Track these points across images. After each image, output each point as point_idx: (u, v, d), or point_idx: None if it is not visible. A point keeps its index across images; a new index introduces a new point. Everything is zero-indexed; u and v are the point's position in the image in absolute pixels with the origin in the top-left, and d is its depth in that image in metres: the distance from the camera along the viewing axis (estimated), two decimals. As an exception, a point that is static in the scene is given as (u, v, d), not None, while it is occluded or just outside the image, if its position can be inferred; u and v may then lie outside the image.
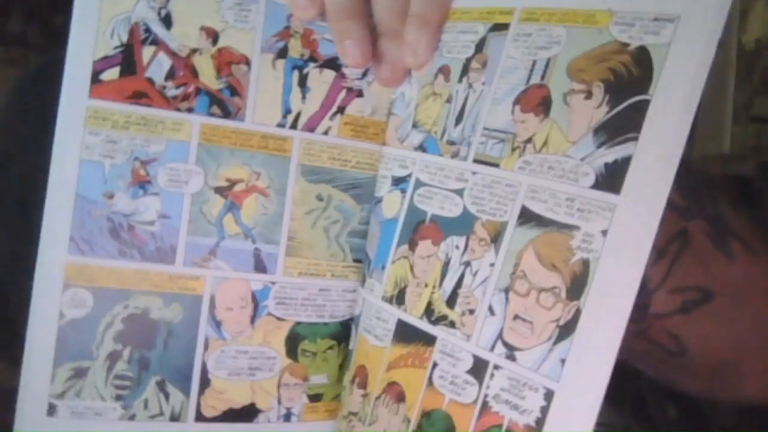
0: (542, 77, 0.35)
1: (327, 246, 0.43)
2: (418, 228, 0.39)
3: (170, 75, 0.39)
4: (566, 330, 0.31)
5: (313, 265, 0.43)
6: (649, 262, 0.39)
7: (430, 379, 0.36)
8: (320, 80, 0.42)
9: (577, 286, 0.31)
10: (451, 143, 0.38)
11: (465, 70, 0.39)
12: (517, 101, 0.36)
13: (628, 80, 0.32)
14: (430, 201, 0.39)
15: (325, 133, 0.43)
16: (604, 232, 0.31)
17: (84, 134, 0.38)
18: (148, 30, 0.39)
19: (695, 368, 0.43)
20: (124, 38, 0.39)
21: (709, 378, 0.45)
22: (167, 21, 0.40)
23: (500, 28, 0.38)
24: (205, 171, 0.40)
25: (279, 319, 0.42)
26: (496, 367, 0.34)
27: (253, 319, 0.42)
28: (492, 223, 0.35)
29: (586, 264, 0.31)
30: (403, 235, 0.40)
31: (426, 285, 0.38)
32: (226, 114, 0.40)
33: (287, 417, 0.43)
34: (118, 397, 0.40)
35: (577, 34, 0.34)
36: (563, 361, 0.31)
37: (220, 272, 0.41)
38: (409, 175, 0.41)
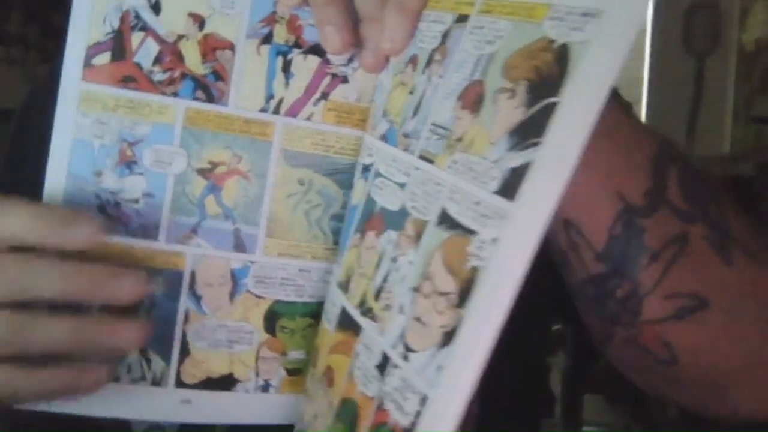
0: (482, 73, 0.33)
1: (308, 228, 0.44)
2: (369, 218, 0.39)
3: (158, 60, 0.41)
4: (448, 337, 0.30)
5: (293, 247, 0.44)
6: (642, 265, 0.39)
7: (351, 368, 0.37)
8: (304, 66, 0.43)
9: (465, 293, 0.30)
10: (406, 136, 0.38)
11: (429, 62, 0.38)
12: (459, 97, 0.34)
13: (547, 80, 0.30)
14: (380, 192, 0.39)
15: (308, 118, 0.43)
16: (494, 240, 0.29)
17: (77, 115, 0.41)
18: (137, 16, 0.41)
19: (687, 380, 0.42)
20: (116, 25, 0.41)
21: (700, 391, 0.43)
22: (156, 7, 0.41)
23: (463, 19, 0.36)
24: (189, 153, 0.42)
25: (258, 296, 0.44)
26: (394, 365, 0.33)
27: (232, 296, 0.44)
28: (418, 221, 0.34)
29: (475, 272, 0.30)
30: (359, 224, 0.40)
31: (364, 276, 0.38)
32: (210, 98, 0.42)
33: (265, 388, 0.45)
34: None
35: (518, 28, 0.32)
36: (440, 368, 0.30)
37: (200, 250, 0.43)
38: (371, 165, 0.41)
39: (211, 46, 0.42)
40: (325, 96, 0.43)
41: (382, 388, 0.33)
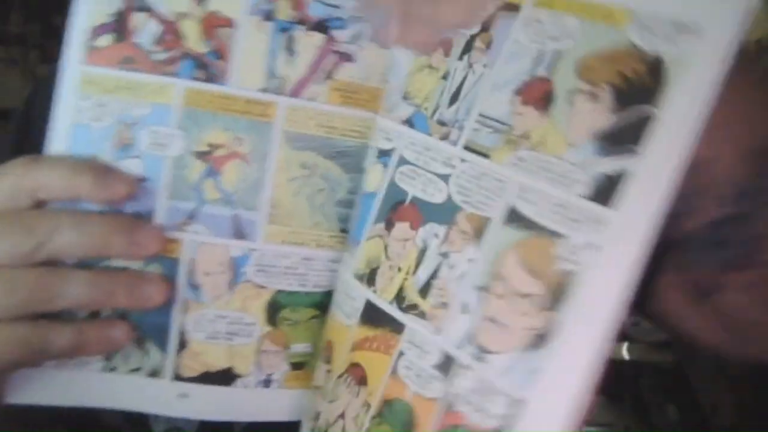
0: (548, 70, 0.33)
1: (311, 215, 0.42)
2: (396, 208, 0.38)
3: (158, 40, 0.40)
4: (541, 340, 0.30)
5: (295, 234, 0.42)
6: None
7: (395, 367, 0.35)
8: (308, 43, 0.41)
9: (557, 296, 0.30)
10: (442, 124, 0.36)
11: (468, 48, 0.37)
12: (518, 91, 0.34)
13: (638, 89, 0.30)
14: (412, 181, 0.37)
15: (312, 99, 0.41)
16: (593, 246, 0.30)
17: (78, 99, 0.39)
18: None
19: None
20: (119, 5, 0.39)
21: None
22: (156, -16, 0.40)
23: (511, 8, 0.35)
24: (187, 135, 0.40)
25: (259, 286, 0.42)
26: (463, 366, 0.33)
27: (231, 285, 0.42)
28: (476, 216, 0.34)
29: (569, 275, 0.30)
30: (381, 213, 0.39)
31: (399, 269, 0.37)
32: (210, 78, 0.40)
33: (267, 383, 0.43)
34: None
35: (592, 29, 0.32)
36: (534, 370, 0.30)
37: (198, 237, 0.41)
38: (393, 150, 0.39)
39: (212, 24, 0.40)
40: (330, 75, 0.41)
41: (449, 389, 0.33)
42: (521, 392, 0.30)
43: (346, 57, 0.41)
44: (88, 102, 0.39)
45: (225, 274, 0.42)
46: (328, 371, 0.40)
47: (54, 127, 0.39)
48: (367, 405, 0.36)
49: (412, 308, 0.35)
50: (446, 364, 0.33)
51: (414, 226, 0.36)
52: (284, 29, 0.41)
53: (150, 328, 0.41)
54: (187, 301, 0.41)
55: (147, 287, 0.39)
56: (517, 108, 0.34)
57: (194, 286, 0.41)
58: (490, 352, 0.32)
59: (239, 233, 0.42)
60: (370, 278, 0.38)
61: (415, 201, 0.37)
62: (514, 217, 0.32)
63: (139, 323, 0.41)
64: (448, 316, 0.34)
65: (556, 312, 0.30)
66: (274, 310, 0.43)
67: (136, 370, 0.42)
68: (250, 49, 0.40)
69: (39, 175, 0.38)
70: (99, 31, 0.39)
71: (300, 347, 0.44)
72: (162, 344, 0.42)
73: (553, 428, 0.29)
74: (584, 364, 0.28)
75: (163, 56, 0.39)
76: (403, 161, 0.38)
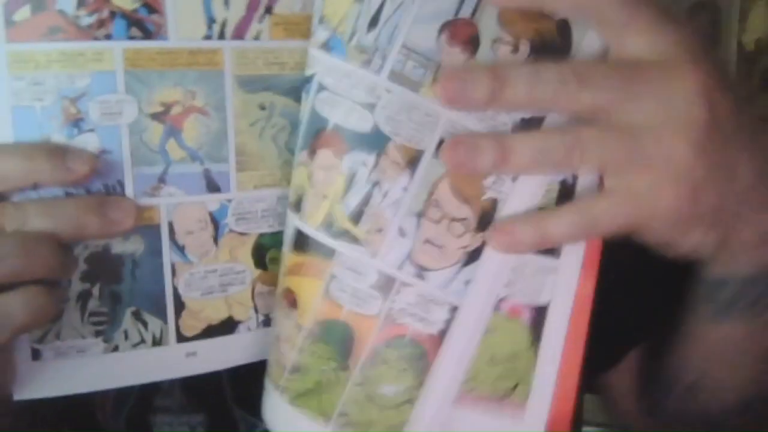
0: (473, 14, 0.34)
1: (278, 155, 0.42)
2: (318, 135, 0.37)
3: (81, 3, 0.37)
4: (473, 256, 0.36)
5: (267, 176, 0.42)
6: None
7: (327, 290, 0.37)
8: None
9: (485, 220, 0.35)
10: (361, 50, 0.36)
11: None
12: (443, 29, 0.34)
13: (550, 46, 0.34)
14: (332, 109, 0.37)
15: (257, 37, 0.40)
16: (514, 179, 0.35)
17: (10, 80, 0.36)
18: None
19: None
20: None
21: None
22: (64, -59, 0.36)
23: None
24: (138, 99, 0.39)
25: (241, 234, 0.42)
26: (404, 284, 0.36)
27: (215, 239, 0.42)
28: (407, 148, 0.35)
29: (494, 202, 0.35)
30: (305, 140, 0.38)
31: (325, 196, 0.37)
32: (148, 35, 0.38)
33: (266, 323, 0.44)
34: (98, 333, 0.40)
35: None
36: (467, 282, 0.36)
37: (173, 198, 0.40)
38: (313, 76, 0.38)
39: (136, -24, 0.37)
40: (269, 10, 0.40)
41: (391, 306, 0.36)
42: (458, 300, 0.36)
43: (281, -12, 0.41)
44: (22, 82, 0.37)
45: (207, 230, 0.42)
46: (271, 295, 0.42)
47: None
48: (299, 326, 0.38)
49: (342, 234, 0.36)
50: (386, 284, 0.36)
51: (338, 154, 0.36)
52: (213, -30, 0.39)
53: (144, 300, 0.41)
54: (175, 263, 0.41)
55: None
56: (443, 47, 0.34)
57: (179, 248, 0.41)
58: (429, 270, 0.36)
59: (212, 187, 0.41)
60: (296, 206, 0.38)
61: (338, 129, 0.36)
62: None
63: (133, 298, 0.41)
64: (385, 240, 0.35)
65: (484, 232, 0.35)
66: (260, 254, 0.43)
67: (139, 343, 0.41)
68: None
69: None
70: (13, 4, 0.36)
71: (291, 282, 0.45)
72: (160, 312, 0.41)
73: (478, 325, 0.36)
74: (501, 271, 0.36)
75: (90, 19, 0.37)
76: (321, 87, 0.37)
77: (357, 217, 0.36)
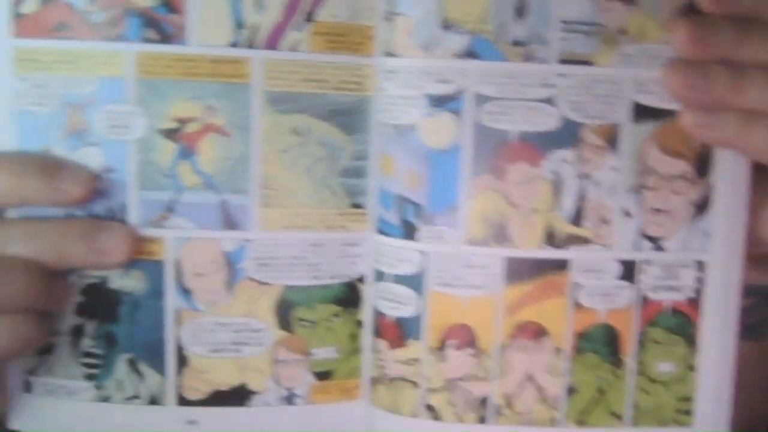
0: None
1: (313, 191, 0.34)
2: (499, 151, 0.33)
3: None
4: (703, 206, 0.35)
5: (298, 216, 0.34)
6: None
7: (575, 301, 0.35)
8: None
9: (704, 165, 0.34)
10: (518, 44, 0.33)
11: None
12: None
13: None
14: (509, 117, 0.33)
15: (293, 48, 0.33)
16: None
17: (14, 80, 0.33)
18: None
19: None
20: None
21: None
22: (84, -71, 0.32)
23: None
24: (148, 111, 0.33)
25: (262, 283, 0.35)
26: (646, 261, 0.35)
27: (229, 286, 0.34)
28: (603, 126, 0.34)
29: (707, 144, 0.34)
30: (479, 165, 0.33)
31: (535, 211, 0.34)
32: (165, 37, 0.32)
33: (289, 399, 0.36)
34: (90, 377, 0.35)
35: None
36: (706, 233, 0.35)
37: (181, 232, 0.34)
38: (460, 91, 0.32)
39: (157, -31, 0.32)
40: (310, 16, 0.33)
41: (639, 288, 0.35)
42: (703, 255, 0.35)
43: (327, -12, 0.33)
44: (25, 83, 0.33)
45: (219, 273, 0.34)
46: (476, 353, 0.35)
47: None
48: (557, 350, 0.35)
49: (569, 241, 0.34)
50: (629, 270, 0.35)
51: (534, 162, 0.33)
52: (247, -36, 0.33)
53: (141, 348, 0.35)
54: (179, 309, 0.34)
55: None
56: (602, 5, 0.33)
57: (185, 291, 0.34)
58: (664, 239, 0.35)
59: (229, 222, 0.34)
60: (498, 236, 0.34)
61: (523, 136, 0.33)
62: (641, 113, 0.34)
63: (129, 343, 0.34)
64: (613, 228, 0.34)
65: (707, 178, 0.34)
66: (285, 311, 0.35)
67: (133, 398, 0.35)
68: None
69: None
70: None
71: (323, 353, 0.36)
72: (158, 365, 0.35)
73: (734, 273, 0.35)
74: (738, 207, 0.34)
75: (103, 16, 0.32)
76: (483, 99, 0.33)
77: (577, 217, 0.34)
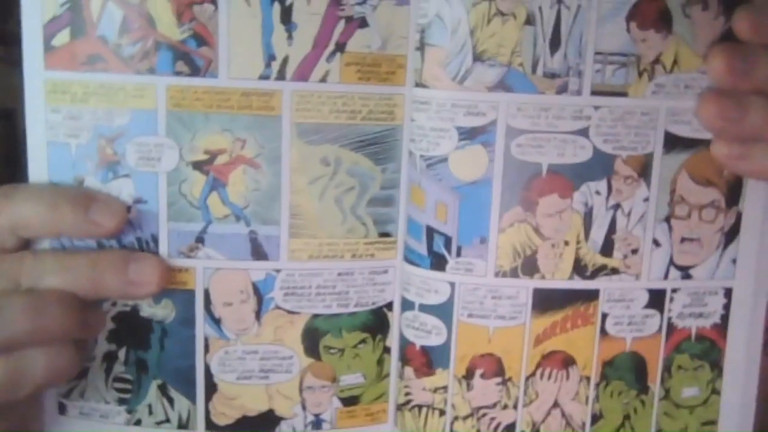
0: None
1: (342, 221, 0.35)
2: (531, 184, 0.33)
3: (124, 29, 0.32)
4: (731, 234, 0.35)
5: (326, 246, 0.35)
6: None
7: (603, 330, 0.35)
8: (308, 11, 0.33)
9: (734, 193, 0.35)
10: (552, 76, 0.33)
11: None
12: (630, 17, 0.32)
13: None
14: (541, 150, 0.33)
15: (323, 80, 0.33)
16: None
17: (47, 112, 0.33)
18: None
19: None
20: None
21: None
22: (114, -38, 0.32)
23: None
24: (179, 143, 0.33)
25: (290, 312, 0.35)
26: (673, 290, 0.35)
27: (258, 315, 0.35)
28: (635, 157, 0.34)
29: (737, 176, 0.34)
30: (509, 197, 0.33)
31: (566, 243, 0.34)
32: (195, 70, 0.33)
33: (317, 425, 0.36)
34: (121, 401, 0.35)
35: None
36: (734, 260, 0.35)
37: (211, 262, 0.34)
38: (492, 123, 0.32)
39: (186, 1, 0.32)
40: (340, 47, 0.33)
41: (670, 315, 0.35)
42: (729, 282, 0.35)
43: (357, 22, 0.33)
44: (58, 116, 0.33)
45: (248, 303, 0.35)
46: (503, 382, 0.35)
47: (29, 147, 0.33)
48: (585, 378, 0.36)
49: (599, 271, 0.34)
50: (657, 298, 0.35)
51: (564, 195, 0.34)
52: (277, -3, 0.33)
53: (172, 374, 0.35)
54: (208, 337, 0.35)
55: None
56: (636, 35, 0.33)
57: (215, 320, 0.35)
58: (692, 267, 0.35)
59: (259, 253, 0.34)
60: (527, 268, 0.34)
61: (553, 168, 0.33)
62: (673, 143, 0.34)
63: (159, 369, 0.35)
64: (643, 259, 0.35)
65: (737, 206, 0.35)
66: (313, 339, 0.36)
67: (164, 422, 0.35)
68: (240, 29, 0.32)
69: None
70: (53, 26, 0.33)
71: (350, 379, 0.36)
72: (188, 391, 0.35)
73: (760, 298, 0.35)
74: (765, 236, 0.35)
75: (134, 49, 0.32)
76: (514, 132, 0.33)
77: (608, 248, 0.34)
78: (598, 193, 0.34)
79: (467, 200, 0.33)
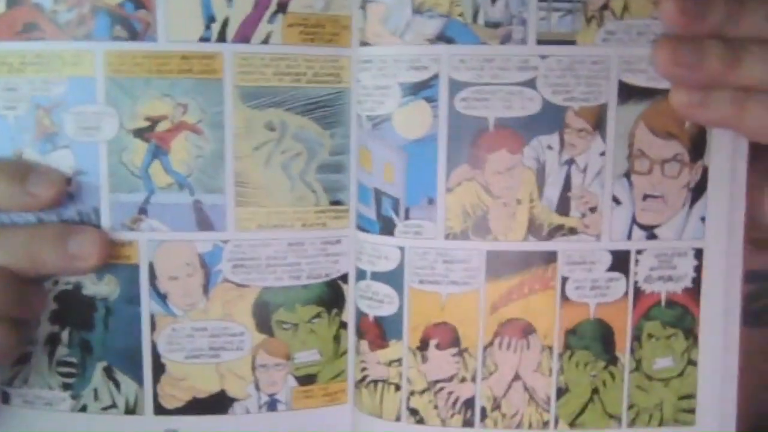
0: None
1: (290, 188, 0.33)
2: (477, 140, 0.32)
3: None
4: (698, 190, 0.33)
5: (274, 215, 0.33)
6: None
7: (563, 295, 0.33)
8: None
9: (698, 146, 0.33)
10: (494, 25, 0.31)
11: None
12: None
13: None
14: (486, 103, 0.32)
15: (265, 41, 0.32)
16: None
17: None
18: None
19: None
20: None
21: None
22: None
23: None
24: (119, 111, 0.32)
25: (240, 285, 0.34)
26: (638, 251, 0.33)
27: (206, 288, 0.33)
28: (588, 108, 0.32)
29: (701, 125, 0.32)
30: (456, 154, 0.32)
31: (519, 201, 0.32)
32: (134, 34, 0.32)
33: (272, 405, 0.34)
34: (66, 386, 0.34)
35: None
36: (703, 219, 0.33)
37: (155, 234, 0.33)
38: (434, 77, 0.31)
39: (124, -34, 0.31)
40: (282, 8, 0.32)
41: (636, 279, 0.33)
42: (700, 241, 0.33)
43: (298, -21, 0.32)
44: None
45: (195, 276, 0.33)
46: (459, 352, 0.33)
47: None
48: (546, 348, 0.33)
49: (555, 231, 0.33)
50: (622, 260, 0.33)
51: (514, 150, 0.32)
52: (215, -43, 0.32)
53: (117, 355, 0.34)
54: (154, 315, 0.33)
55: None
56: None
57: (160, 296, 0.33)
58: (657, 226, 0.33)
59: (204, 223, 0.33)
60: (477, 229, 0.32)
61: (502, 122, 0.32)
62: (628, 93, 0.32)
63: (104, 351, 0.33)
64: (603, 217, 0.33)
65: (702, 160, 0.33)
66: (264, 314, 0.34)
67: (110, 407, 0.34)
68: None
69: None
70: None
71: (305, 356, 0.35)
72: (135, 373, 0.34)
73: (733, 259, 0.33)
74: (737, 189, 0.33)
75: (70, 16, 0.32)
76: (457, 86, 0.32)
77: (565, 207, 0.33)
78: (550, 147, 0.32)
79: (413, 159, 0.32)
